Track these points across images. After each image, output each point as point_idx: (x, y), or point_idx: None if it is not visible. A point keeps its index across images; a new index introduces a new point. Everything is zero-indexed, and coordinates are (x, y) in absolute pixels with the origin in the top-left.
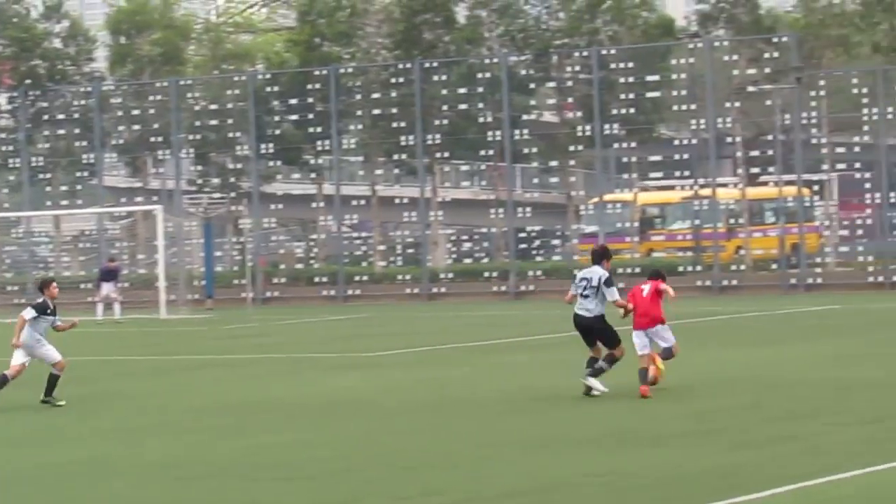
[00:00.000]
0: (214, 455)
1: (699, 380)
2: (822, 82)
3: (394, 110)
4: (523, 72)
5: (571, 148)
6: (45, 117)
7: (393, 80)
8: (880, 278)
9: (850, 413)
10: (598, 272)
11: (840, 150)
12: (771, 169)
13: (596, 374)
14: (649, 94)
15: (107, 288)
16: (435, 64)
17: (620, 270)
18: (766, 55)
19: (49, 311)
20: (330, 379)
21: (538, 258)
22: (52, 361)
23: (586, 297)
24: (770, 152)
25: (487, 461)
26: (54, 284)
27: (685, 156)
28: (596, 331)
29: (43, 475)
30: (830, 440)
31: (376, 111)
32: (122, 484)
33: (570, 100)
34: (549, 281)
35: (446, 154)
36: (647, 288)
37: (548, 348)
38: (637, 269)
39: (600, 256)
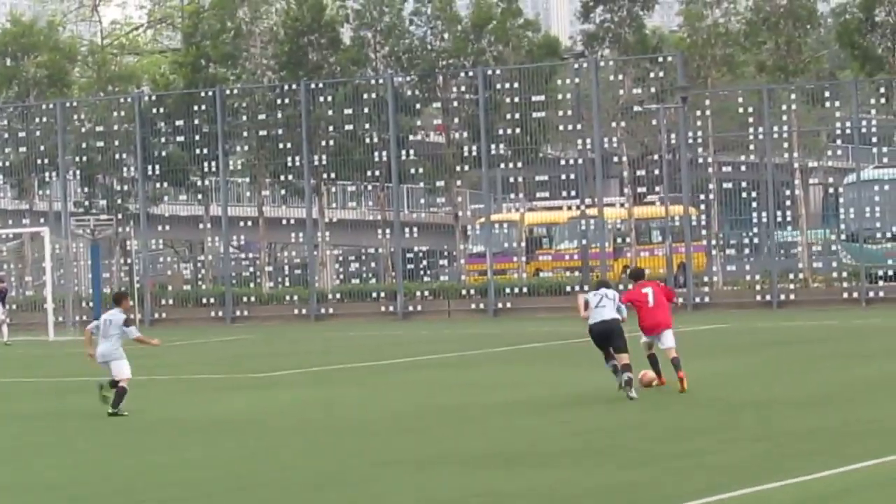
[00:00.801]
0: (105, 475)
1: (582, 398)
2: (707, 101)
3: (280, 131)
4: (409, 92)
5: (458, 168)
6: None
7: (279, 101)
8: (767, 297)
9: (740, 430)
10: (612, 291)
11: (726, 169)
12: (657, 188)
13: (629, 383)
14: (535, 115)
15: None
16: (321, 85)
17: (507, 290)
18: (652, 75)
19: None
20: (219, 400)
21: (426, 278)
22: (123, 376)
23: (604, 307)
24: (656, 171)
25: (376, 480)
26: (129, 297)
27: (572, 175)
28: (615, 335)
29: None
30: (722, 458)
31: (262, 132)
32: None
33: (437, 121)
34: (436, 301)
35: (333, 175)
36: (650, 294)
37: (436, 368)
38: (524, 290)
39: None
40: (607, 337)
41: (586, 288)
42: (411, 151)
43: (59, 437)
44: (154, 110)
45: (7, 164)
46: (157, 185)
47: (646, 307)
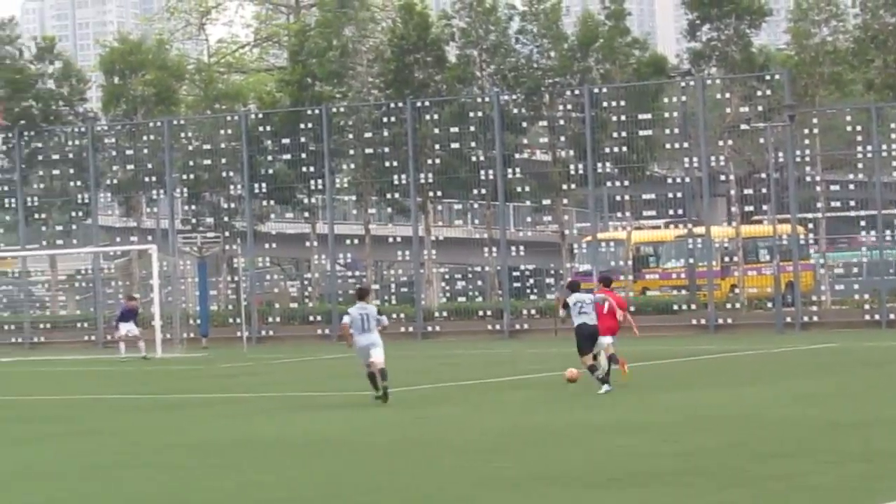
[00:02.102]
0: (194, 494)
1: (688, 418)
2: (815, 120)
3: (386, 149)
4: (515, 110)
5: (564, 186)
6: (40, 157)
7: (385, 120)
8: (876, 316)
9: (841, 451)
10: (588, 297)
11: (834, 187)
12: (765, 207)
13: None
14: (642, 133)
15: (125, 327)
16: (426, 103)
17: None
18: (759, 93)
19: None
20: (321, 418)
21: (532, 296)
22: (382, 360)
23: (586, 312)
24: (763, 190)
25: (474, 500)
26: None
27: (678, 194)
28: (596, 336)
29: None
30: (822, 479)
31: (368, 150)
32: None
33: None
34: (542, 319)
35: (439, 193)
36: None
37: (540, 386)
38: (631, 308)
39: (576, 286)
40: (591, 339)
41: (693, 307)
42: (517, 169)
43: (158, 454)
44: (260, 128)
45: (115, 181)
46: (264, 202)
47: (601, 311)
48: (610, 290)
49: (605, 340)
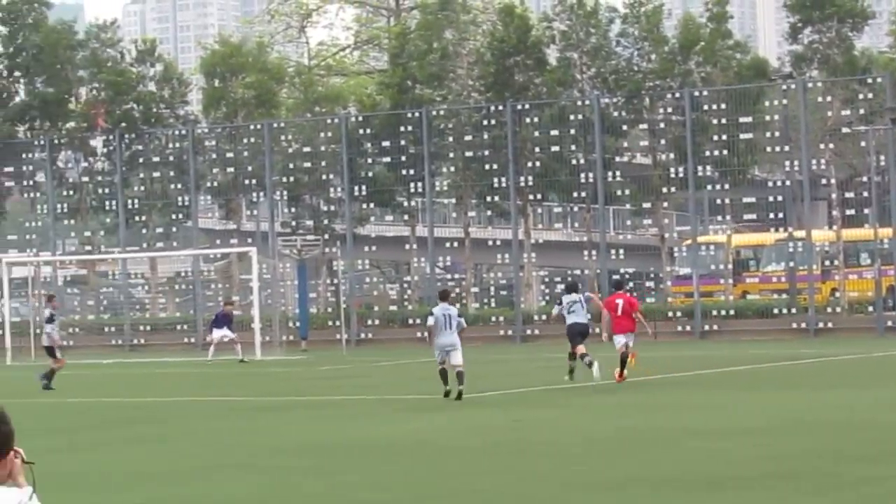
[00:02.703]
0: (288, 496)
1: (785, 422)
2: None
3: (486, 152)
4: (615, 113)
5: (664, 189)
6: (141, 160)
7: (485, 122)
8: None
9: None
10: (579, 296)
11: None
12: (866, 210)
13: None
14: (742, 136)
15: (219, 333)
16: (527, 106)
17: (714, 312)
18: (861, 96)
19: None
20: (418, 420)
21: None
22: (461, 362)
23: (575, 312)
24: (865, 194)
25: (565, 503)
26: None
27: (779, 197)
28: (584, 335)
29: None
30: None
31: (468, 153)
32: None
33: (643, 143)
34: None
35: (539, 196)
36: (620, 303)
37: (636, 390)
38: (731, 312)
39: (572, 288)
40: (582, 335)
41: (794, 311)
42: (617, 173)
43: (254, 457)
44: (360, 131)
45: (215, 184)
46: (364, 205)
47: (614, 310)
48: (623, 293)
49: (620, 340)
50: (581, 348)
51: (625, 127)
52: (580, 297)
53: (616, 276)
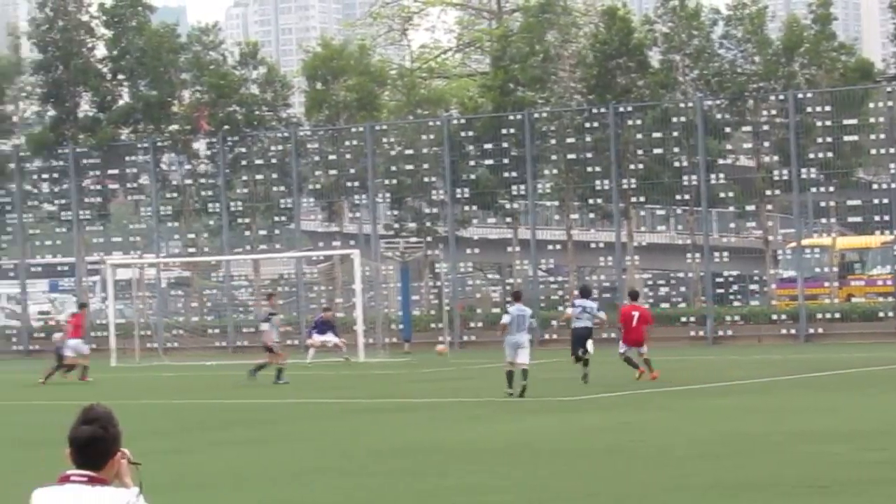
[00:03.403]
0: (392, 500)
1: (893, 425)
2: None
3: (588, 154)
4: (718, 115)
5: (768, 192)
6: (243, 162)
7: (587, 125)
8: None
9: None
10: (589, 302)
11: None
12: None
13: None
14: (847, 138)
15: (320, 338)
16: (629, 108)
17: (819, 316)
18: None
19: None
20: (523, 422)
21: (735, 303)
22: (527, 361)
23: (580, 318)
24: None
25: None
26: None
27: (884, 200)
28: (587, 338)
29: None
30: None
31: (571, 156)
32: None
33: (747, 145)
34: (746, 326)
35: (641, 198)
36: (636, 316)
37: (744, 393)
38: (836, 315)
39: (586, 293)
40: (583, 340)
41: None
42: (720, 175)
43: (350, 458)
44: (463, 133)
45: (317, 186)
46: (466, 207)
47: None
48: (637, 304)
49: (639, 349)
50: (579, 354)
51: (728, 129)
52: (592, 304)
53: (633, 287)
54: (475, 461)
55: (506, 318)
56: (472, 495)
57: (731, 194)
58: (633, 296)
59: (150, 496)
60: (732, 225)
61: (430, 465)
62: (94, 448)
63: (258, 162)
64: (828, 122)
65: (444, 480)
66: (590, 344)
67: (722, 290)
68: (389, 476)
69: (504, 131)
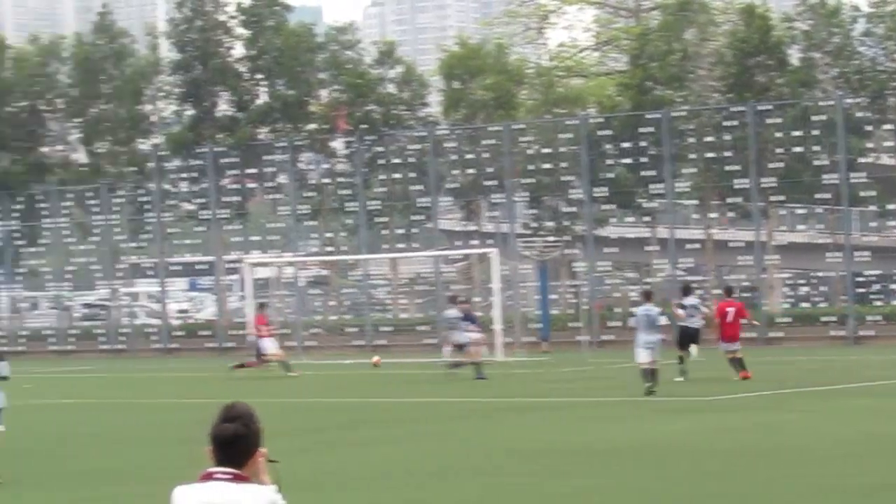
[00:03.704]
0: (528, 500)
1: None
2: None
3: (727, 153)
4: (859, 114)
5: None
6: (381, 161)
7: (726, 123)
8: None
9: None
10: (695, 300)
11: None
12: None
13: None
14: None
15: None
16: (769, 106)
17: None
18: None
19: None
20: (657, 423)
21: (877, 302)
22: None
23: (693, 316)
24: None
25: None
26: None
27: None
28: (695, 338)
29: None
30: None
31: (709, 154)
32: None
33: (888, 143)
34: (889, 326)
35: (781, 197)
36: (731, 312)
37: (886, 395)
38: None
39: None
40: (691, 339)
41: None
42: (861, 174)
43: (485, 457)
44: (600, 132)
45: (455, 185)
46: (604, 206)
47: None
48: (733, 300)
49: (730, 346)
50: (682, 354)
51: (869, 127)
52: (697, 302)
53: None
54: (611, 461)
55: (633, 321)
56: (607, 495)
57: (872, 193)
58: (728, 291)
59: (288, 495)
60: (874, 224)
61: (567, 465)
62: (236, 446)
63: (396, 161)
64: None
65: (580, 481)
66: (695, 349)
67: (863, 290)
68: (525, 475)
69: (642, 130)
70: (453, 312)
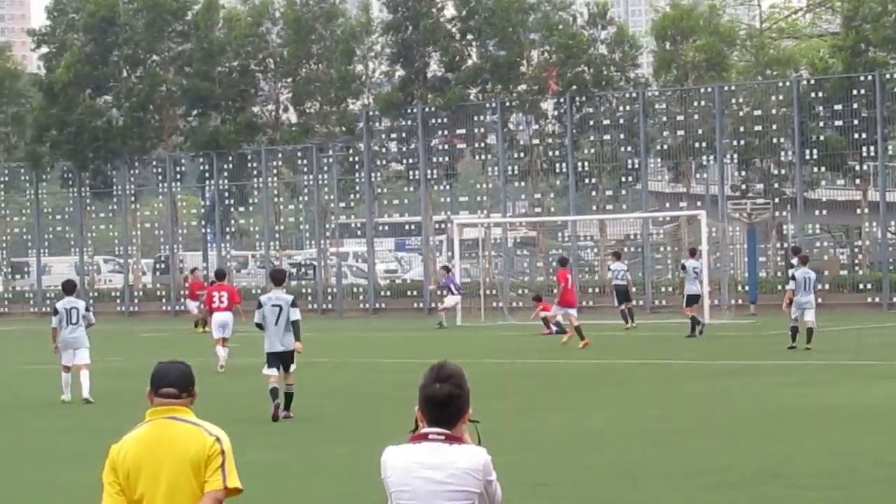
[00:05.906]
0: (750, 461)
1: None
2: None
3: None
4: None
5: None
6: (591, 123)
7: None
8: None
9: None
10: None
11: None
12: None
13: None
14: None
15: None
16: None
17: None
18: None
19: None
20: (868, 387)
21: None
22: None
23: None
24: None
25: None
26: None
27: None
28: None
29: (581, 476)
30: None
31: None
32: (660, 486)
33: None
34: None
35: None
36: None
37: None
38: None
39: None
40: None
41: None
42: None
43: (706, 421)
44: (812, 94)
45: (665, 147)
46: (815, 169)
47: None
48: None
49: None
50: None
51: None
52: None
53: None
54: (823, 425)
55: (791, 284)
56: (823, 458)
57: None
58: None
59: (494, 457)
60: None
61: (781, 428)
62: (450, 407)
63: (605, 122)
64: None
65: (798, 445)
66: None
67: None
68: (744, 438)
69: (854, 92)
70: (692, 263)
